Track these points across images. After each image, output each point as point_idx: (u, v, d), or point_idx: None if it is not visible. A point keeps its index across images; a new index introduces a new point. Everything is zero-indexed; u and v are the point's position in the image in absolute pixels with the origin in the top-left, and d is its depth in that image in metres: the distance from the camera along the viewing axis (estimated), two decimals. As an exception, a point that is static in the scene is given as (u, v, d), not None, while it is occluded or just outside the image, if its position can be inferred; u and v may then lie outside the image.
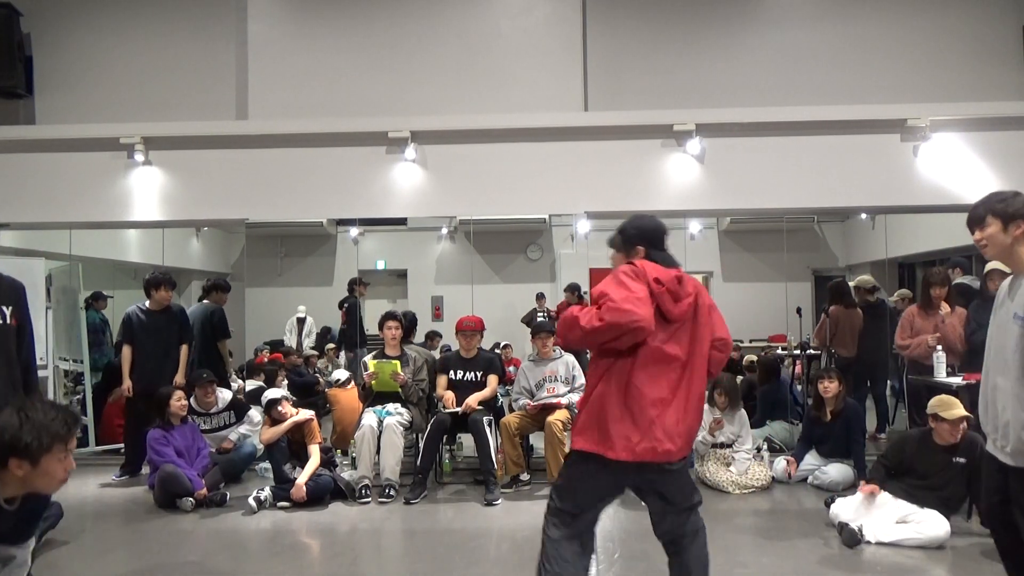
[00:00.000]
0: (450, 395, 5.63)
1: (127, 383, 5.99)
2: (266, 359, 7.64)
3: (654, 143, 6.29)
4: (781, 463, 5.70)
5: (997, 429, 2.65)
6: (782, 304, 7.64)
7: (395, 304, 9.36)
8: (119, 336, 6.29)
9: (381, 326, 5.89)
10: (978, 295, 5.58)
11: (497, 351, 7.07)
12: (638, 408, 2.59)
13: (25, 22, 6.64)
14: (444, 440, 6.08)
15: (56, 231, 6.97)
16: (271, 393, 5.60)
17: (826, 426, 5.56)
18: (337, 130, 6.36)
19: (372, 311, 8.04)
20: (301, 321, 9.16)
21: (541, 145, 6.34)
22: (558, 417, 5.41)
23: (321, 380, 7.94)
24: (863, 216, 8.29)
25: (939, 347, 5.05)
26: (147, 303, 6.10)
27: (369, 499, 5.27)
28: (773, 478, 5.60)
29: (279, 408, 5.39)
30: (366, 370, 5.78)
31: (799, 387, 7.27)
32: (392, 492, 5.33)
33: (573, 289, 8.33)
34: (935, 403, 4.37)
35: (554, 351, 5.86)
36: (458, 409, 5.55)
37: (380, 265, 9.86)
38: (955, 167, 6.13)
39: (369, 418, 5.57)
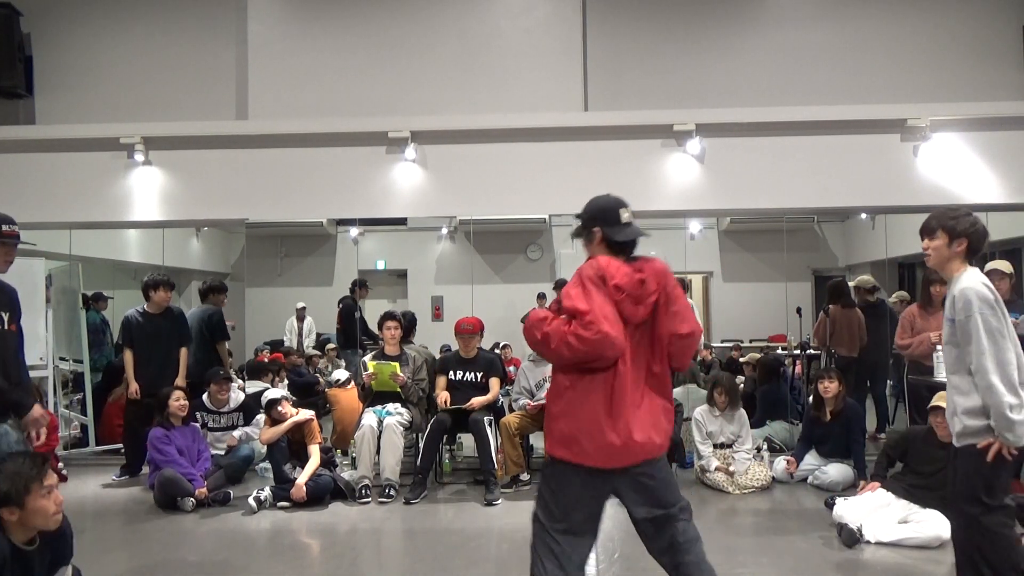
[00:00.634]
0: (444, 395, 5.62)
1: (134, 386, 5.95)
2: (266, 359, 7.63)
3: (654, 143, 6.29)
4: (781, 463, 5.70)
5: (948, 418, 3.05)
6: (782, 304, 7.64)
7: (395, 304, 9.36)
8: (119, 340, 6.29)
9: (380, 326, 5.89)
10: None
11: (497, 351, 7.07)
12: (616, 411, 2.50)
13: (25, 22, 6.64)
14: (444, 440, 6.09)
15: (56, 231, 6.97)
16: (271, 393, 5.60)
17: (826, 426, 5.56)
18: (337, 130, 6.37)
19: (372, 311, 8.04)
20: (301, 320, 9.15)
21: (541, 145, 6.34)
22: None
23: (321, 380, 7.94)
24: (863, 216, 8.29)
25: (940, 347, 5.04)
26: (145, 305, 6.08)
27: (369, 499, 5.28)
28: (773, 478, 5.60)
29: (279, 408, 5.39)
30: (365, 371, 5.78)
31: (800, 384, 7.27)
32: (392, 492, 5.33)
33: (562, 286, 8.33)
34: (939, 396, 4.39)
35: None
36: (461, 406, 5.54)
37: (380, 265, 9.86)
38: (955, 167, 6.13)
39: (369, 418, 5.57)
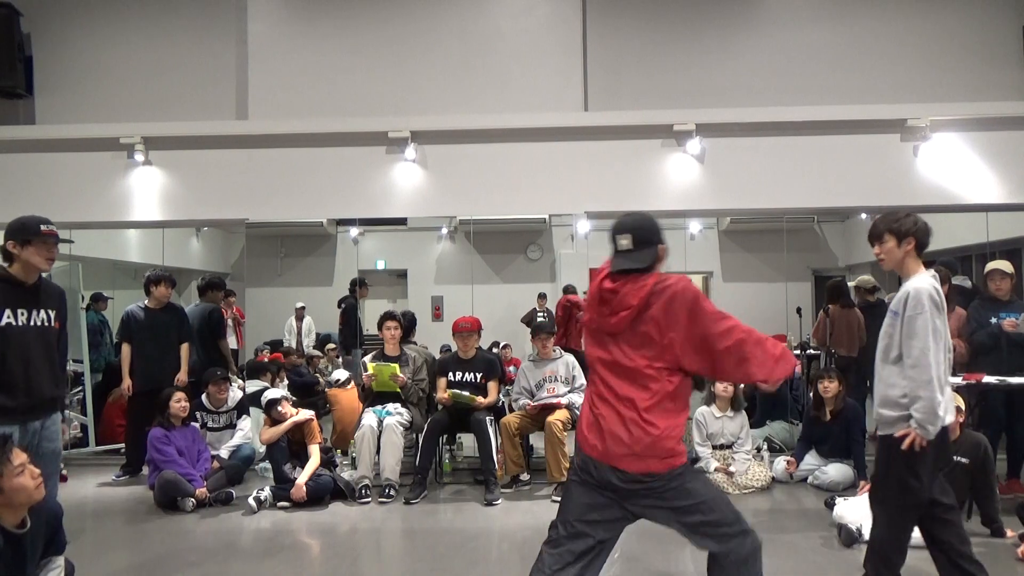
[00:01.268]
0: (445, 396, 5.61)
1: (127, 382, 5.99)
2: (266, 359, 7.63)
3: (654, 143, 6.29)
4: (781, 463, 5.70)
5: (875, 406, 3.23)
6: (782, 304, 7.64)
7: (395, 304, 9.36)
8: (118, 335, 6.29)
9: (380, 326, 5.89)
10: (976, 295, 5.59)
11: (496, 350, 7.07)
12: None
13: (25, 22, 6.64)
14: (444, 440, 6.09)
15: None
16: (271, 393, 5.60)
17: (826, 426, 5.56)
18: (337, 130, 6.37)
19: (372, 311, 8.03)
20: (300, 319, 9.15)
21: (541, 145, 6.34)
22: (558, 417, 5.41)
23: (321, 380, 7.94)
24: (863, 216, 8.28)
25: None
26: (146, 301, 6.10)
27: (369, 499, 5.28)
28: (773, 478, 5.60)
29: (279, 408, 5.39)
30: (365, 371, 5.78)
31: (800, 384, 7.27)
32: (392, 492, 5.33)
33: (569, 291, 8.33)
34: None
35: (554, 351, 5.86)
36: (465, 396, 5.54)
37: (380, 265, 9.86)
38: (955, 167, 6.13)
39: (369, 418, 5.58)
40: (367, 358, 5.96)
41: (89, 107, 6.64)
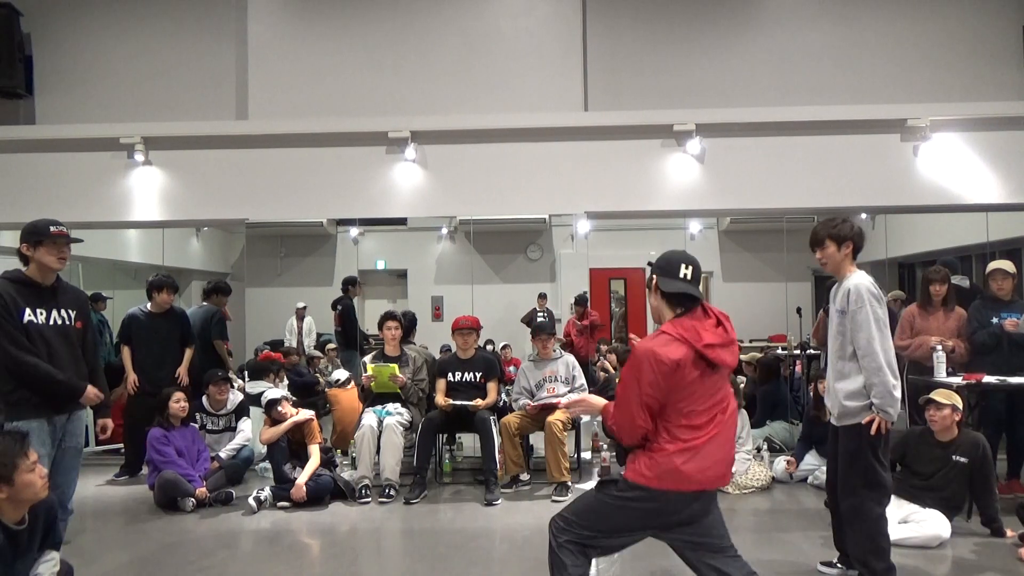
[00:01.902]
0: (444, 401, 5.62)
1: (132, 377, 5.96)
2: (272, 356, 7.62)
3: (654, 143, 6.29)
4: (781, 463, 5.70)
5: (831, 401, 3.49)
6: (782, 304, 7.64)
7: (395, 304, 9.36)
8: (119, 336, 6.29)
9: (381, 326, 5.89)
10: (976, 295, 5.58)
11: (491, 348, 7.07)
12: None
13: (25, 22, 6.64)
14: (444, 440, 6.09)
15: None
16: (271, 393, 5.60)
17: (826, 426, 5.52)
18: (337, 130, 6.37)
19: (372, 311, 8.03)
20: (301, 319, 9.15)
21: (541, 145, 6.34)
22: (558, 417, 5.41)
23: (321, 380, 7.94)
24: (863, 216, 8.27)
25: (940, 347, 5.05)
26: (148, 305, 6.10)
27: (369, 499, 5.28)
28: (773, 478, 5.60)
29: (279, 408, 5.39)
30: (364, 372, 5.78)
31: (800, 384, 7.27)
32: (392, 492, 5.33)
33: (582, 302, 8.37)
34: (936, 392, 4.40)
35: (554, 351, 5.86)
36: (466, 403, 5.54)
37: (380, 265, 9.86)
38: (955, 167, 6.13)
39: (369, 418, 5.58)
40: (367, 358, 5.96)
41: (89, 107, 6.64)
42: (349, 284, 8.13)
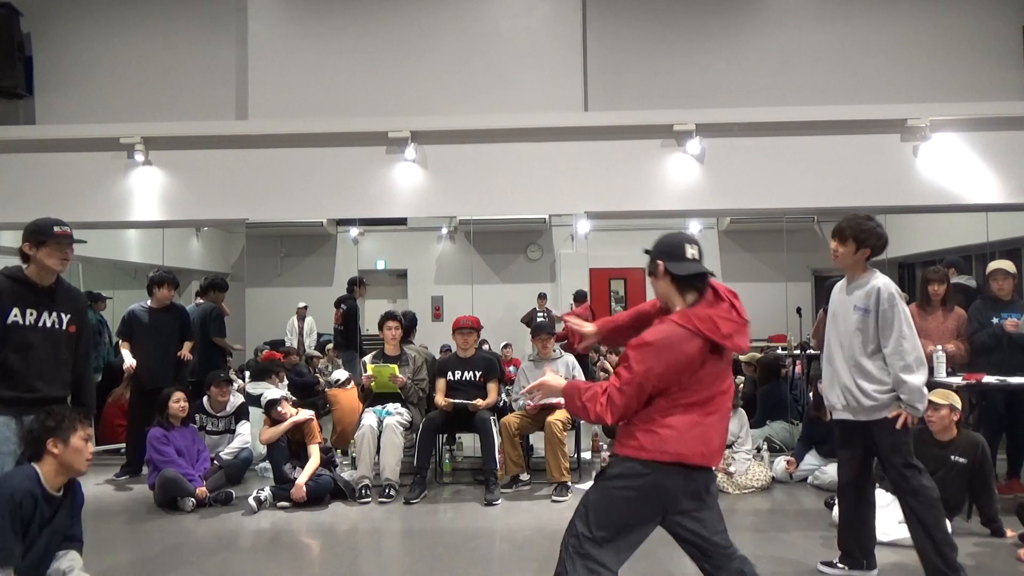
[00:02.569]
0: (443, 401, 5.63)
1: (131, 362, 5.93)
2: (275, 355, 7.62)
3: (654, 143, 6.29)
4: (781, 463, 5.70)
5: (845, 396, 3.51)
6: (782, 304, 7.65)
7: (395, 304, 9.36)
8: (118, 333, 6.30)
9: (381, 326, 5.89)
10: (977, 295, 5.58)
11: (487, 348, 7.07)
12: None
13: (25, 22, 6.64)
14: (444, 440, 6.09)
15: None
16: (271, 394, 5.61)
17: (826, 426, 5.54)
18: (337, 130, 6.37)
19: (372, 311, 8.03)
20: (302, 319, 9.15)
21: (541, 145, 6.34)
22: (558, 417, 5.41)
23: (321, 380, 7.94)
24: (864, 216, 8.28)
25: (940, 348, 5.05)
26: (149, 301, 6.11)
27: (369, 499, 5.28)
28: (773, 478, 5.60)
29: (279, 408, 5.39)
30: (364, 372, 5.78)
31: (800, 384, 7.27)
32: (392, 492, 5.33)
33: (581, 298, 8.33)
34: (936, 393, 4.40)
35: (554, 351, 5.86)
36: (465, 402, 5.55)
37: (380, 265, 9.86)
38: (955, 167, 6.13)
39: (369, 418, 5.58)
40: (367, 358, 5.96)
41: (89, 107, 6.64)
42: (354, 284, 8.13)
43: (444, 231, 9.72)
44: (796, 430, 6.28)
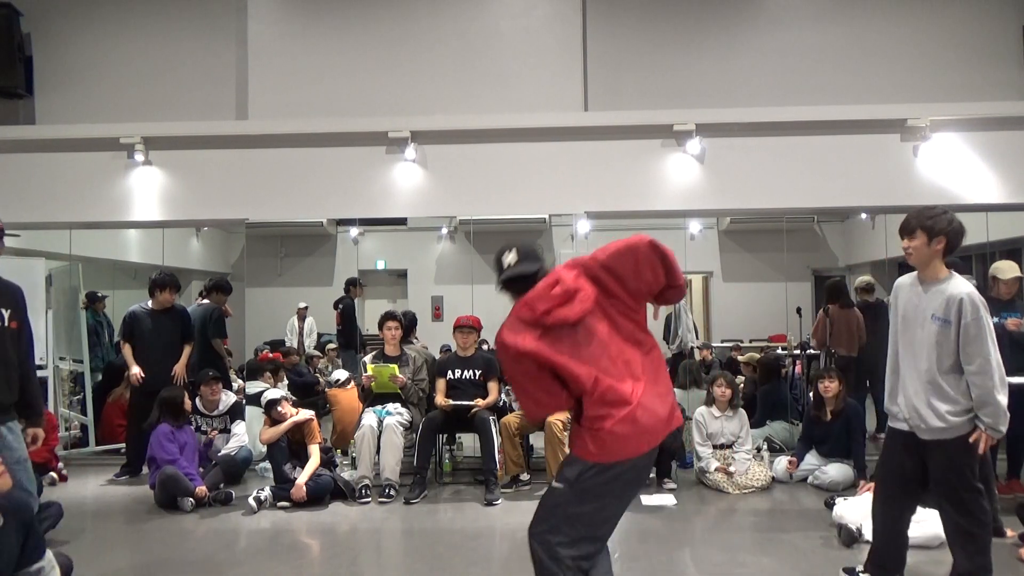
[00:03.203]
0: (443, 402, 5.63)
1: (136, 370, 5.92)
2: (269, 357, 7.63)
3: (654, 143, 6.29)
4: (782, 463, 5.70)
5: (909, 413, 3.23)
6: (782, 304, 7.64)
7: (395, 304, 9.35)
8: (119, 334, 6.30)
9: (381, 326, 5.89)
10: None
11: (486, 347, 7.05)
12: None
13: (25, 22, 6.64)
14: (444, 440, 6.09)
15: (56, 231, 6.97)
16: (271, 393, 5.61)
17: (826, 426, 5.56)
18: (337, 130, 6.37)
19: (372, 311, 8.02)
20: (302, 319, 9.16)
21: (541, 145, 6.34)
22: (558, 417, 5.40)
23: (321, 380, 7.94)
24: (863, 216, 8.29)
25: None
26: (150, 303, 6.10)
27: (369, 499, 5.28)
28: (773, 478, 5.60)
29: (279, 408, 5.39)
30: (364, 372, 5.78)
31: (800, 384, 7.27)
32: (392, 492, 5.33)
33: None
34: None
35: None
36: (466, 403, 5.55)
37: (380, 265, 9.85)
38: (955, 167, 6.13)
39: (369, 418, 5.58)
40: (367, 358, 5.96)
41: (89, 107, 6.65)
42: (351, 285, 8.15)
43: (444, 231, 9.71)
44: (796, 430, 6.28)
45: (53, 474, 5.79)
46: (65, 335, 7.13)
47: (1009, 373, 4.84)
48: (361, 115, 6.44)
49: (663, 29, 6.54)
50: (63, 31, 6.74)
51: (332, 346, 8.73)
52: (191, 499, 5.06)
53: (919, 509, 4.26)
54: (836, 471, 5.42)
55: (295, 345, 8.90)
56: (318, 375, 8.31)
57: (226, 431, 5.90)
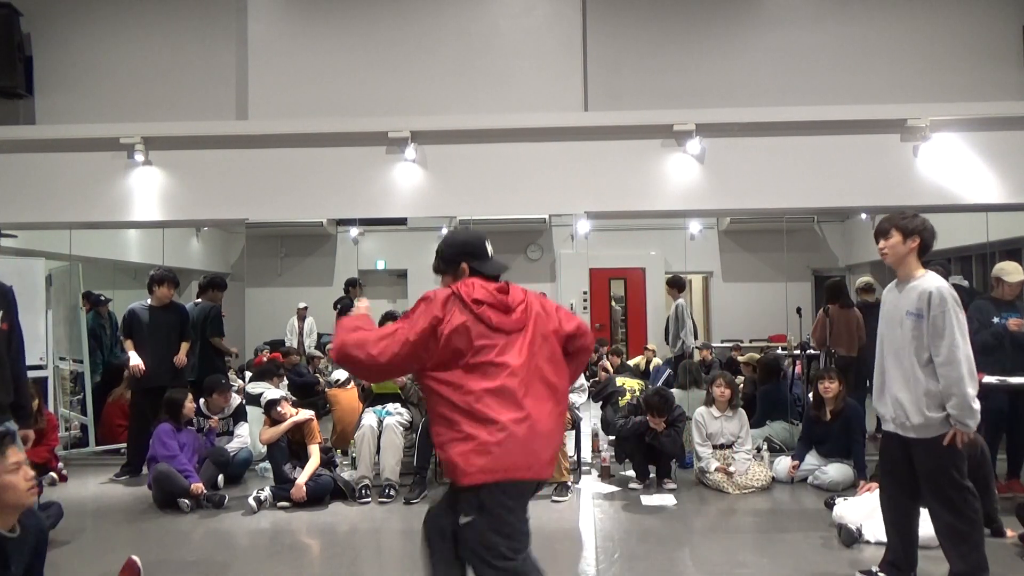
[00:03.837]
0: None
1: (137, 362, 5.92)
2: (264, 359, 7.64)
3: (654, 143, 6.28)
4: (782, 463, 5.70)
5: (895, 410, 3.33)
6: (782, 304, 7.64)
7: (395, 304, 9.35)
8: (120, 331, 6.31)
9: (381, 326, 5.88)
10: (974, 295, 5.58)
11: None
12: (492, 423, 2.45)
13: (25, 22, 6.64)
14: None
15: (56, 231, 6.97)
16: (271, 394, 5.62)
17: (826, 426, 5.56)
18: (337, 130, 6.36)
19: (372, 311, 8.00)
20: (302, 319, 9.16)
21: (541, 145, 6.34)
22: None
23: (321, 380, 7.94)
24: (863, 216, 8.28)
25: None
26: (149, 300, 6.11)
27: (369, 499, 5.28)
28: (773, 478, 5.60)
29: (279, 408, 5.39)
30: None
31: (800, 384, 7.27)
32: (392, 492, 5.33)
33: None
34: None
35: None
36: None
37: (380, 265, 9.85)
38: (955, 167, 6.13)
39: (369, 418, 5.58)
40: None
41: (89, 107, 6.64)
42: (350, 285, 8.16)
43: (444, 231, 9.71)
44: (796, 430, 6.28)
45: (53, 474, 5.79)
46: (65, 335, 7.13)
47: (1010, 373, 4.90)
48: (361, 115, 6.44)
49: (663, 29, 6.53)
50: (63, 31, 6.74)
51: (332, 346, 8.73)
52: (188, 501, 5.05)
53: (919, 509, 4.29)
54: (836, 471, 5.41)
55: (295, 345, 8.90)
56: (318, 375, 8.32)
57: (228, 432, 5.90)
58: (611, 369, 7.61)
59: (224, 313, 7.01)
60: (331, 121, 6.40)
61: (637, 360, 8.45)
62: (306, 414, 5.47)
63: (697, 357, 7.76)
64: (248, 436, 5.88)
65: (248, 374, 7.33)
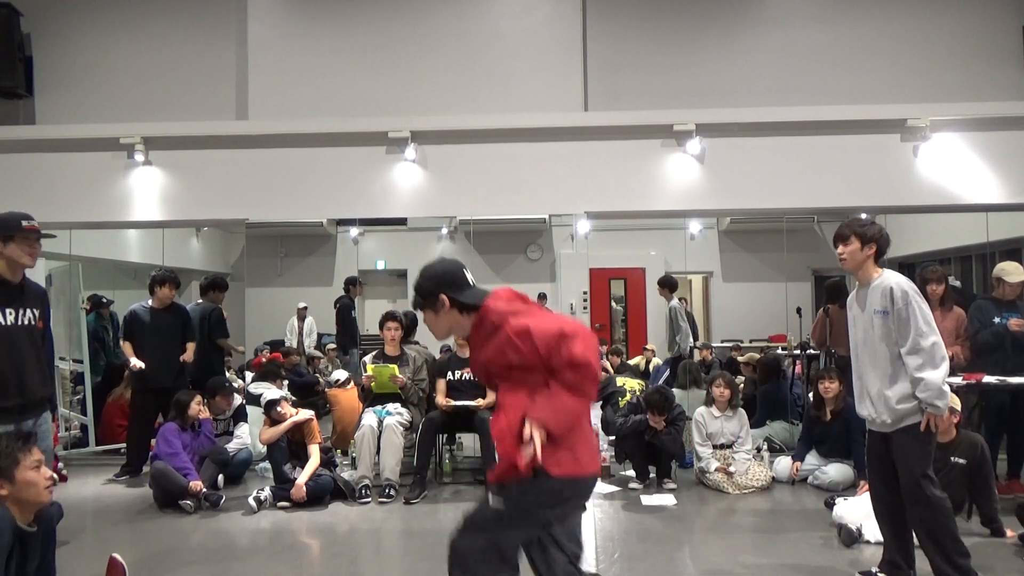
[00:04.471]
0: (444, 402, 5.65)
1: (135, 361, 5.93)
2: (264, 359, 7.64)
3: (654, 143, 6.29)
4: (783, 463, 5.70)
5: (876, 407, 3.45)
6: (782, 304, 7.64)
7: (395, 304, 9.34)
8: (121, 332, 6.30)
9: (381, 326, 5.89)
10: (967, 295, 5.59)
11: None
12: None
13: (25, 22, 6.64)
14: (444, 440, 6.09)
15: (56, 231, 6.95)
16: (270, 394, 5.62)
17: (826, 426, 5.56)
18: (337, 130, 6.37)
19: (372, 311, 8.02)
20: (302, 319, 9.16)
21: (541, 145, 6.34)
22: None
23: (321, 380, 7.94)
24: (863, 216, 8.28)
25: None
26: (150, 301, 6.11)
27: (369, 499, 5.28)
28: (773, 478, 5.60)
29: (279, 409, 5.39)
30: (364, 372, 5.78)
31: (800, 384, 7.27)
32: (392, 492, 5.33)
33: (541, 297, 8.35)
34: None
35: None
36: (468, 403, 5.56)
37: (380, 265, 9.85)
38: (955, 167, 6.13)
39: (369, 418, 5.58)
40: (367, 359, 5.96)
41: (89, 107, 6.65)
42: (350, 284, 8.16)
43: (444, 231, 9.70)
44: (796, 430, 6.28)
45: (53, 474, 5.78)
46: (65, 335, 7.13)
47: (1011, 373, 4.90)
48: (361, 115, 6.44)
49: (663, 29, 6.54)
50: (63, 31, 6.74)
51: (332, 346, 8.73)
52: (190, 501, 5.05)
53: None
54: (836, 471, 5.41)
55: (295, 345, 8.90)
56: (318, 375, 8.32)
57: (228, 433, 5.90)
58: (611, 369, 7.61)
59: (227, 315, 7.02)
60: (331, 121, 6.40)
61: (637, 360, 8.45)
62: (306, 414, 5.47)
63: (697, 357, 7.76)
64: (248, 436, 5.88)
65: (248, 374, 7.32)
